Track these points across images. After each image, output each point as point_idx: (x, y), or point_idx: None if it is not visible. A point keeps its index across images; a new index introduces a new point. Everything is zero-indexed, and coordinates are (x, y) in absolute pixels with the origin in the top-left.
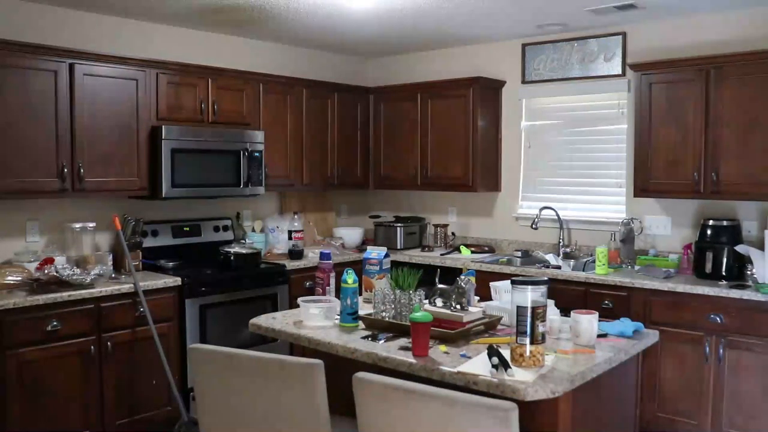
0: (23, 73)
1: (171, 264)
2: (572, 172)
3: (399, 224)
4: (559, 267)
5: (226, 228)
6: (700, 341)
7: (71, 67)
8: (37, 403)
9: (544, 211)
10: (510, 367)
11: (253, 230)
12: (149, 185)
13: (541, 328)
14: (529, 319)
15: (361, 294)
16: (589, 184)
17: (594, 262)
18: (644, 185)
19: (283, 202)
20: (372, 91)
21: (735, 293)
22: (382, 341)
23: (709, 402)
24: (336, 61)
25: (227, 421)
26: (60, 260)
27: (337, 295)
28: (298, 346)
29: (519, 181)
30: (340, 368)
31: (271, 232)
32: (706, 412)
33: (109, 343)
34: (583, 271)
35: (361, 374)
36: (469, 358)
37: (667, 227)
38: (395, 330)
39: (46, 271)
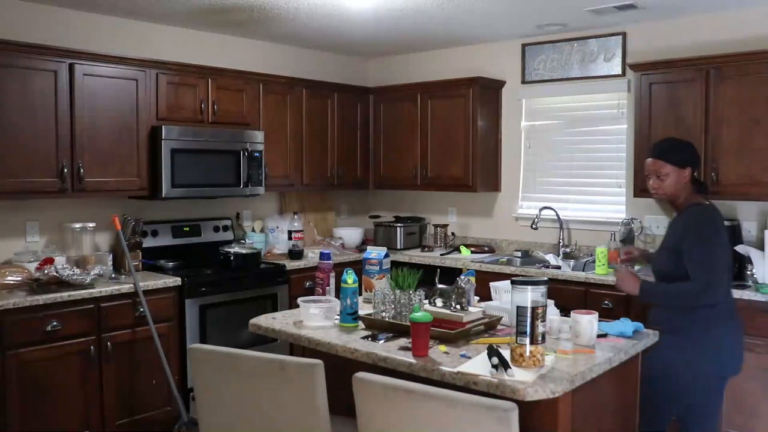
0: (23, 73)
1: (171, 264)
2: (572, 173)
3: (399, 224)
4: (559, 267)
5: (226, 228)
6: None
7: (71, 67)
8: (37, 403)
9: (544, 211)
10: (510, 367)
11: (253, 230)
12: (149, 185)
13: (541, 328)
14: (529, 319)
15: (361, 294)
16: (589, 184)
17: (594, 262)
18: (644, 185)
19: (283, 202)
20: (372, 91)
21: (735, 293)
22: (382, 341)
23: None
24: (336, 61)
25: (227, 421)
26: (60, 260)
27: (337, 295)
28: (298, 346)
29: (519, 181)
30: (340, 368)
31: (271, 232)
32: None
33: (109, 343)
34: (583, 271)
35: (361, 374)
36: (469, 358)
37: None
38: (395, 330)
39: (46, 271)
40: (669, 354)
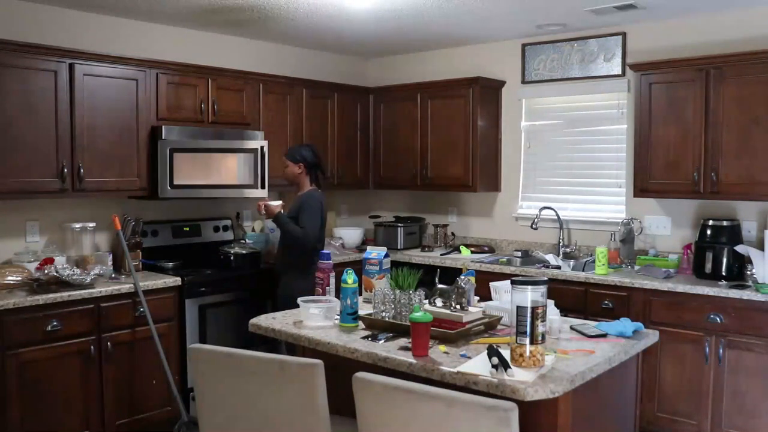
0: (23, 73)
1: (171, 264)
2: (572, 172)
3: (399, 224)
4: (558, 267)
5: (226, 228)
6: (700, 341)
7: (71, 67)
8: (37, 403)
9: (544, 211)
10: (510, 367)
11: (253, 230)
12: (149, 185)
13: (541, 328)
14: (528, 319)
15: (361, 294)
16: (589, 184)
17: (594, 262)
18: (644, 185)
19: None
20: (372, 91)
21: (735, 293)
22: (382, 341)
23: (709, 402)
24: (336, 61)
25: (227, 421)
26: (60, 260)
27: (337, 295)
28: (298, 346)
29: (519, 181)
30: (340, 368)
31: (271, 232)
32: (706, 412)
33: (109, 343)
34: (583, 271)
35: (361, 374)
36: (469, 358)
37: (666, 227)
38: (395, 330)
39: (46, 271)
40: (296, 283)
